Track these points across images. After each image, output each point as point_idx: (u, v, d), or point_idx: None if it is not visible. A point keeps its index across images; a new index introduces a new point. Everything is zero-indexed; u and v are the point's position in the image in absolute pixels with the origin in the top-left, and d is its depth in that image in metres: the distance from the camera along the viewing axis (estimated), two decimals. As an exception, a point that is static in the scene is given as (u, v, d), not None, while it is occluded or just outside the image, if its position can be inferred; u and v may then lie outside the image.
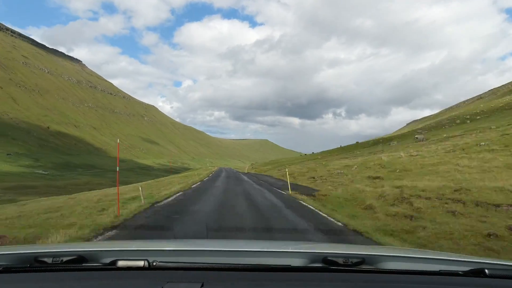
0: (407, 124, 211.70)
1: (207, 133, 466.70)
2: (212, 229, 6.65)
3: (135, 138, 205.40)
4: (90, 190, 30.04)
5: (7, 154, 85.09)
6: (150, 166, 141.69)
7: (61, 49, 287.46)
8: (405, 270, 1.48)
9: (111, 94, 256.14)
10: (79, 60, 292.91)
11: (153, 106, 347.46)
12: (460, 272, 1.45)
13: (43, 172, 73.99)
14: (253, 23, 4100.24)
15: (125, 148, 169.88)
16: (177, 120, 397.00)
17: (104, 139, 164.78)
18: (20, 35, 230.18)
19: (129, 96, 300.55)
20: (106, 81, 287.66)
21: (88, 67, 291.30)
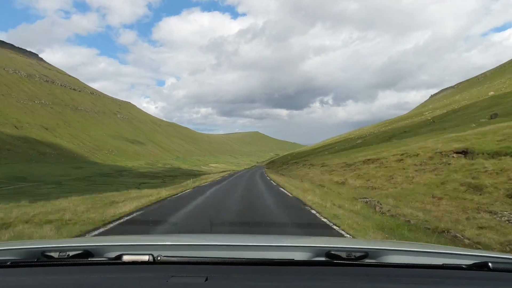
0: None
1: (193, 129, 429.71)
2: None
3: (104, 138, 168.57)
4: None
5: None
6: (121, 170, 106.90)
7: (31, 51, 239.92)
8: (408, 264, 1.47)
9: (75, 89, 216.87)
10: (36, 54, 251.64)
11: (129, 102, 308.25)
12: (464, 266, 1.44)
13: None
14: (234, 14, 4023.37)
15: (89, 151, 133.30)
16: (162, 118, 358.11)
17: (57, 141, 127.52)
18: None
19: (99, 92, 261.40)
20: (69, 75, 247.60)
21: (50, 63, 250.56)
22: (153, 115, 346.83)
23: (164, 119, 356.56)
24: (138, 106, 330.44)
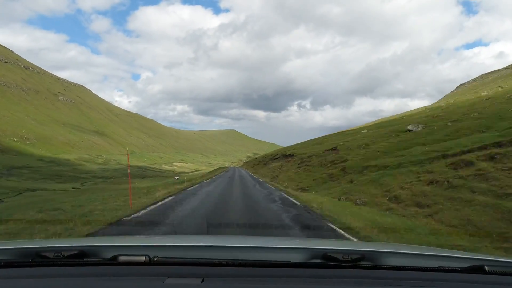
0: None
1: (161, 123, 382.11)
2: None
3: (24, 120, 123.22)
4: None
5: None
6: (21, 166, 65.54)
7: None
8: (405, 266, 1.47)
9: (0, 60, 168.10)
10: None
11: (82, 86, 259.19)
12: (459, 269, 1.45)
13: None
14: (217, 10, 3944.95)
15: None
16: (137, 113, 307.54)
17: None
18: None
19: (39, 68, 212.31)
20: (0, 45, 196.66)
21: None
22: (126, 109, 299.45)
23: (133, 112, 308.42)
24: (94, 91, 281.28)
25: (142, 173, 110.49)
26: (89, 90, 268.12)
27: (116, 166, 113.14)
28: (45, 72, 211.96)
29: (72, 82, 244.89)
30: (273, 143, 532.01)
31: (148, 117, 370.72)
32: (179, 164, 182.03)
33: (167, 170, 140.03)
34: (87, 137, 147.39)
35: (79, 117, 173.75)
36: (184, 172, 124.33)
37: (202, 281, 1.24)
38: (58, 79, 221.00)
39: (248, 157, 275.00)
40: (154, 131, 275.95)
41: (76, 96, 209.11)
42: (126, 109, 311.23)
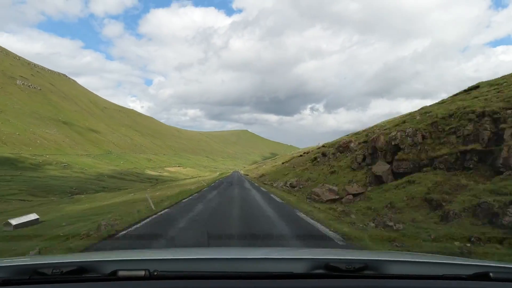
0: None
1: (161, 121, 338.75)
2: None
3: None
4: None
5: None
6: None
7: None
8: (408, 274, 1.46)
9: None
10: None
11: (65, 75, 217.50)
12: (464, 276, 1.43)
13: None
14: (229, 11, 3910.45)
15: None
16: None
17: None
18: None
19: (2, 48, 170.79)
20: None
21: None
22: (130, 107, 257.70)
23: (121, 105, 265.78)
24: (79, 82, 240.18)
25: (97, 183, 66.49)
26: (73, 81, 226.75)
27: (55, 172, 68.95)
28: (8, 53, 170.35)
29: (49, 70, 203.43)
30: (290, 145, 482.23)
31: (162, 121, 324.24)
32: (172, 169, 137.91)
33: (151, 178, 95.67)
34: (39, 130, 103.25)
35: (39, 106, 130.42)
36: (170, 181, 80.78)
37: None
38: (28, 63, 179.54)
39: (264, 158, 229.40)
40: (150, 129, 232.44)
41: (47, 84, 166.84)
42: (124, 106, 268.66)
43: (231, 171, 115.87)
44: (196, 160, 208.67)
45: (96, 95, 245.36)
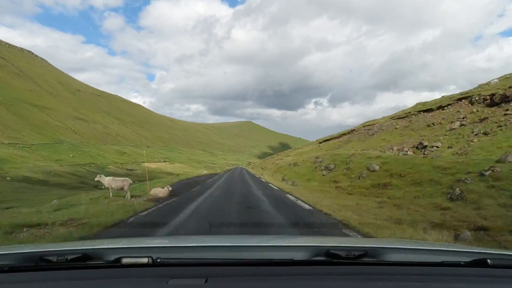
0: None
1: (152, 110, 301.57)
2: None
3: None
4: None
5: None
6: None
7: None
8: (408, 261, 1.47)
9: None
10: None
11: (30, 52, 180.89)
12: (462, 263, 1.45)
13: None
14: (233, 2, 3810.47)
15: None
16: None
17: None
18: None
19: None
20: None
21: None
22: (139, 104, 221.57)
23: (106, 91, 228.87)
24: (49, 60, 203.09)
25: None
26: (41, 59, 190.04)
27: None
28: None
29: (10, 44, 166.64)
30: (299, 138, 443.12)
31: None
32: (154, 165, 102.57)
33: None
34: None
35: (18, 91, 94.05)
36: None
37: (206, 281, 1.23)
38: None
39: (273, 149, 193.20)
40: (134, 117, 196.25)
41: (12, 60, 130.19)
42: (106, 91, 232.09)
43: (232, 167, 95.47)
44: (189, 154, 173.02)
45: (72, 77, 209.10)
